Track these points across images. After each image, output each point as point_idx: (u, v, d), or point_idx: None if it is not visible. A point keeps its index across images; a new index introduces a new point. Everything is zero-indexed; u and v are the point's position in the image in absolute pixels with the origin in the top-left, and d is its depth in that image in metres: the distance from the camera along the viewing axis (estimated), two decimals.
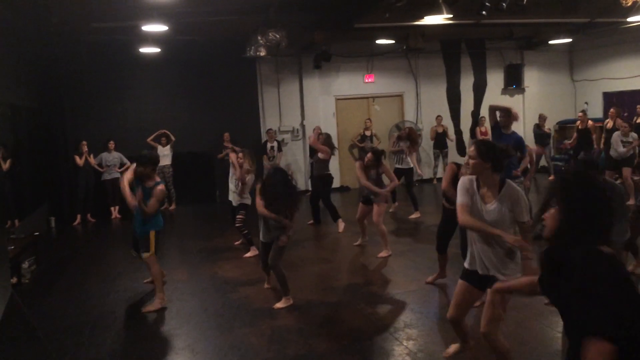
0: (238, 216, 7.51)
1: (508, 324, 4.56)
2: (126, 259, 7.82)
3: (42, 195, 10.63)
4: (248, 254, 7.44)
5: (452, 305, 3.67)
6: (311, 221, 9.55)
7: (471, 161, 3.40)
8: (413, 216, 9.61)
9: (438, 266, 5.92)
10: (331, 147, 9.14)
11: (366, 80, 13.89)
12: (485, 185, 3.41)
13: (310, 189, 13.12)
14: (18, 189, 8.87)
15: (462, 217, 3.39)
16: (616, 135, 9.89)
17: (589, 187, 1.96)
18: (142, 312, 5.55)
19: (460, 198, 3.44)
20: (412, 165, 10.07)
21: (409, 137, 9.83)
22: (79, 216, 11.09)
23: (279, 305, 5.45)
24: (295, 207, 5.46)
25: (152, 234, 5.61)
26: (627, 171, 9.70)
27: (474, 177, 3.48)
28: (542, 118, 13.41)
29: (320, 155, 8.97)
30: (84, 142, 11.13)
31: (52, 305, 5.98)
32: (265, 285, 6.04)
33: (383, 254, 7.12)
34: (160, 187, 5.55)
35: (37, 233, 7.84)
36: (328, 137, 9.59)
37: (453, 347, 4.08)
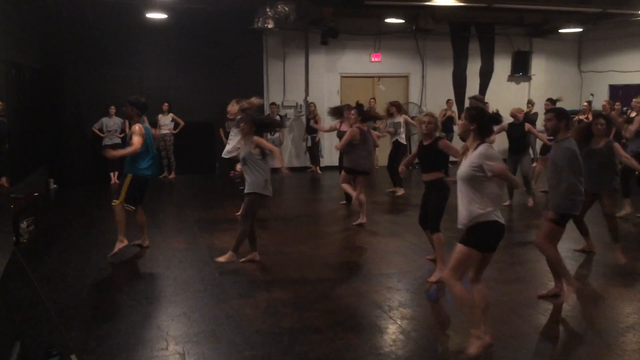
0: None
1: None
2: None
3: (42, 156, 10.62)
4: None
5: None
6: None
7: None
8: (399, 194, 9.81)
9: (431, 246, 5.91)
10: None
11: (372, 59, 13.78)
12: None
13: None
14: (19, 149, 8.85)
15: None
16: None
17: None
18: (109, 256, 6.21)
19: None
20: (402, 142, 10.11)
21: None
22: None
23: (220, 259, 5.94)
24: None
25: (128, 177, 6.08)
26: None
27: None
28: (530, 103, 13.28)
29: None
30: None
31: (50, 266, 6.02)
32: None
33: (360, 220, 7.60)
34: (137, 125, 6.03)
35: (36, 194, 7.86)
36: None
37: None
